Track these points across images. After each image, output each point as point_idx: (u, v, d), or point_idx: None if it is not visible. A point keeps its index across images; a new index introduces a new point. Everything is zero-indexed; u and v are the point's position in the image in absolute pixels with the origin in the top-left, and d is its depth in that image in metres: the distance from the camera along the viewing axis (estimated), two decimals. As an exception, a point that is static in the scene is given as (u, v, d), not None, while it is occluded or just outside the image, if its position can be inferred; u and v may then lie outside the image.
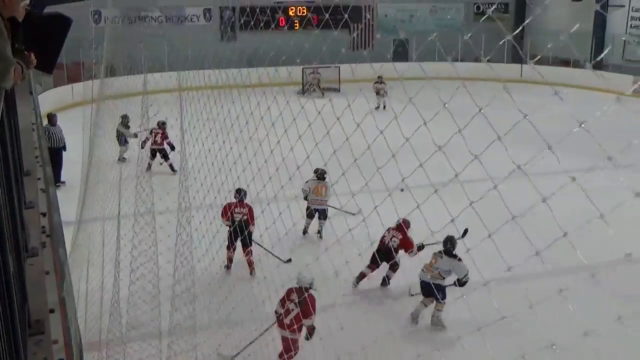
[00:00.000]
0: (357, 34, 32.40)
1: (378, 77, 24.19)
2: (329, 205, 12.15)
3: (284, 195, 5.67)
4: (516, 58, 31.74)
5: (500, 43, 3.70)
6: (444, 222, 3.52)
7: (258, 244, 10.42)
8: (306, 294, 7.84)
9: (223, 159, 6.66)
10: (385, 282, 10.37)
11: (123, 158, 16.86)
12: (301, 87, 28.41)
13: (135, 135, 16.33)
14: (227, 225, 10.16)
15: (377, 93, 24.02)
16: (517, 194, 4.43)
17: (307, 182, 12.03)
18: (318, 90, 27.76)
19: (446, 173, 3.41)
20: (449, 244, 9.11)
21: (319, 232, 12.23)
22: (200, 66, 9.06)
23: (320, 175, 12.09)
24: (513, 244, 3.74)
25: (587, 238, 5.42)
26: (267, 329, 8.09)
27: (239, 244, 10.59)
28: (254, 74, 8.71)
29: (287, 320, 7.81)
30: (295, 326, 7.70)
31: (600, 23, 31.59)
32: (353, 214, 11.37)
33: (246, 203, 10.47)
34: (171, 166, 16.41)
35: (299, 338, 7.87)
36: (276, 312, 8.02)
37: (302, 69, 28.27)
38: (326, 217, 12.13)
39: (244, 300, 8.50)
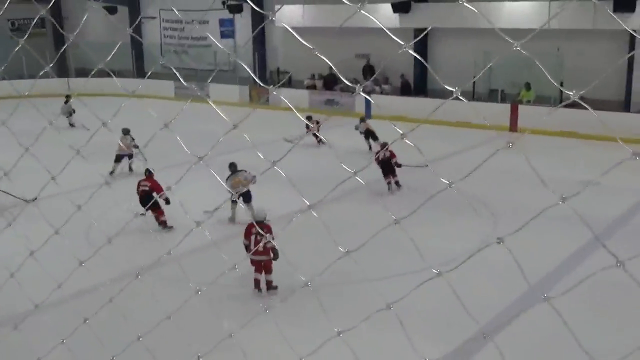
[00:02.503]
0: None
1: (66, 96, 24.78)
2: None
3: None
4: (62, 72, 31.88)
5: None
6: None
7: None
8: (264, 226, 10.32)
9: None
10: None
11: None
12: None
13: None
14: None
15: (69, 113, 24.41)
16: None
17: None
18: None
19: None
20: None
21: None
22: None
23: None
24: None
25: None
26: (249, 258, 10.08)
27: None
28: None
29: (260, 248, 10.07)
30: (267, 250, 10.15)
31: (137, 33, 33.89)
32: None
33: (150, 179, 13.80)
34: None
35: (271, 259, 10.30)
36: (246, 244, 10.47)
37: None
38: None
39: None
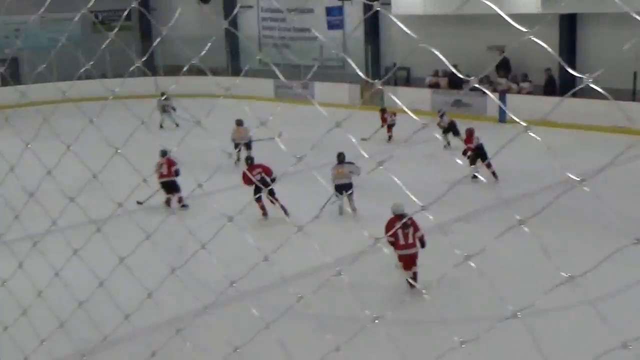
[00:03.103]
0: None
1: (162, 94, 26.39)
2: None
3: None
4: (149, 70, 33.28)
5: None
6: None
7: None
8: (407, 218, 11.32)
9: None
10: None
11: None
12: None
13: None
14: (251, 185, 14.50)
15: (163, 110, 26.88)
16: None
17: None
18: None
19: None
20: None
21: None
22: None
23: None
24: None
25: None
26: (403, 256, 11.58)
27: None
28: None
29: (410, 240, 11.48)
30: (416, 243, 11.54)
31: (233, 26, 34.65)
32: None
33: (258, 164, 15.72)
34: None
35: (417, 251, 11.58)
36: (391, 241, 11.36)
37: None
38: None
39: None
